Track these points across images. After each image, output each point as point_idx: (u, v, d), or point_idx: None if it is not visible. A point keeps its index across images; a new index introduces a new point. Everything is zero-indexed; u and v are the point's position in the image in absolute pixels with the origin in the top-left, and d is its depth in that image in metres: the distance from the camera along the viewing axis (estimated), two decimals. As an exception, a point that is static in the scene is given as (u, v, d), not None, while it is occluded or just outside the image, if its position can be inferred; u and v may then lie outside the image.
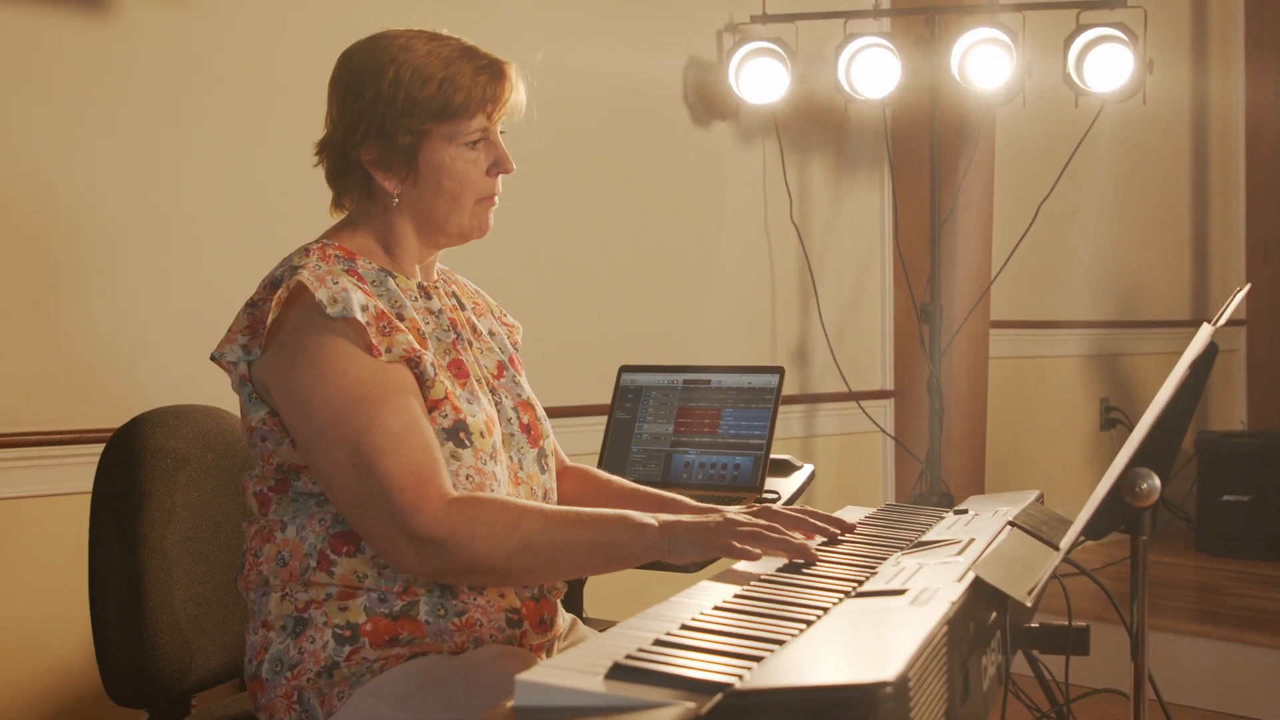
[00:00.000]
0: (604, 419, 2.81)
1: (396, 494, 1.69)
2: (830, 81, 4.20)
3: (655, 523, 1.73)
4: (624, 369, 2.83)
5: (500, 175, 1.92)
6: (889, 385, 4.66)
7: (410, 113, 1.84)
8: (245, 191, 3.01)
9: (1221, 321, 1.60)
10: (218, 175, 2.97)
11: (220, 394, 2.60)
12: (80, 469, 2.57)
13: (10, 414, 2.66)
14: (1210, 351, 1.57)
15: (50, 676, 2.70)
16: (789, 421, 4.31)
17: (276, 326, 1.77)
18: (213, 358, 1.82)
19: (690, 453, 2.67)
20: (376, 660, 1.77)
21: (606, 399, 2.86)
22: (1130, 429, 5.45)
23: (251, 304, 1.82)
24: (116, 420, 2.09)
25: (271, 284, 1.81)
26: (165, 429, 2.04)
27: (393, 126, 1.84)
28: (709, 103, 4.11)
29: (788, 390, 4.27)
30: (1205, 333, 1.59)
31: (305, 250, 1.86)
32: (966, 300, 4.48)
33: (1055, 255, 5.19)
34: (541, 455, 1.99)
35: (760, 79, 4.05)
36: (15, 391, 2.67)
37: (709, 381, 2.72)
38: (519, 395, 2.00)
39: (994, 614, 1.53)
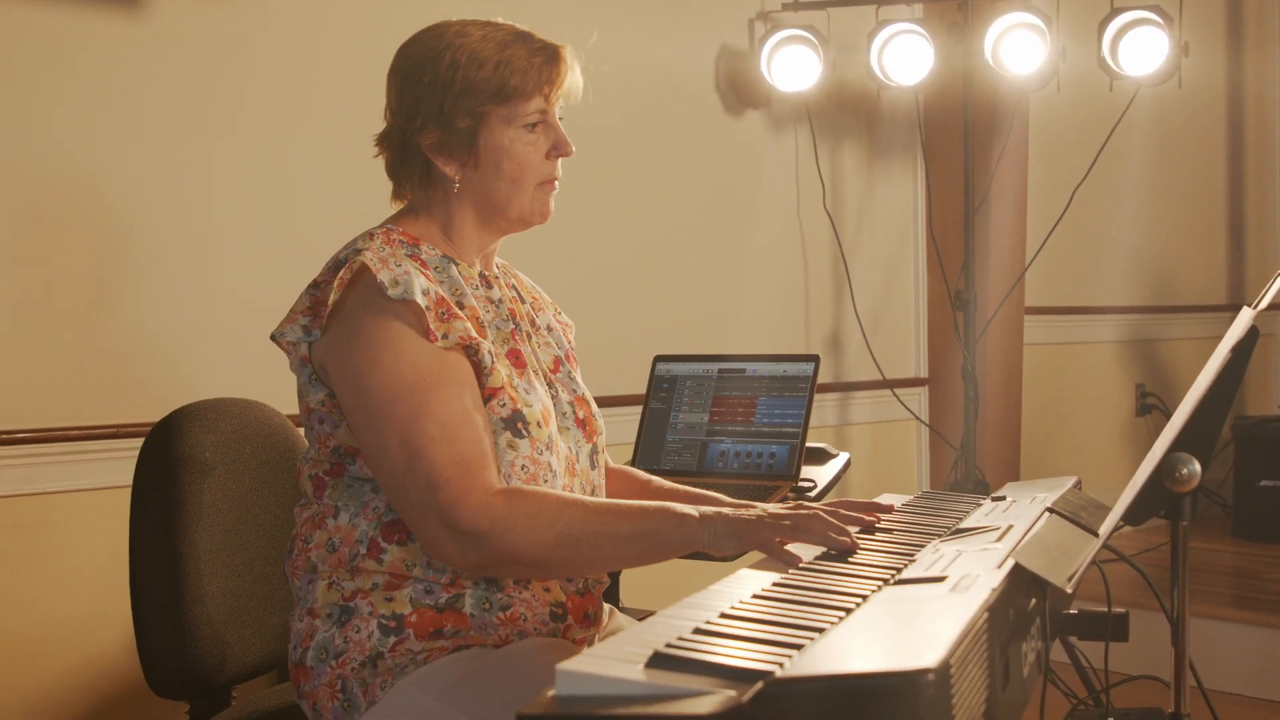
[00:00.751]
0: (639, 409, 2.81)
1: (442, 485, 1.69)
2: (862, 68, 4.18)
3: (696, 514, 1.73)
4: (658, 359, 2.83)
5: (560, 159, 1.92)
6: (923, 373, 4.65)
7: (468, 95, 1.85)
8: (284, 186, 3.02)
9: (1263, 305, 1.59)
10: (256, 170, 2.98)
11: (259, 387, 2.62)
12: (120, 463, 2.59)
13: (51, 409, 2.69)
14: (1251, 335, 1.56)
15: (92, 670, 2.72)
16: (823, 410, 4.30)
17: (338, 307, 1.78)
18: (273, 337, 1.83)
19: (726, 442, 2.67)
20: (421, 652, 1.78)
21: (641, 389, 2.86)
22: (1166, 415, 5.42)
23: (314, 285, 1.83)
24: (157, 414, 2.10)
25: (335, 265, 1.82)
26: (203, 424, 2.05)
27: (451, 110, 1.85)
28: (741, 91, 4.11)
29: (821, 378, 4.26)
30: (1246, 316, 1.58)
31: (369, 234, 1.87)
32: (1001, 287, 4.46)
33: (1090, 241, 5.16)
34: (594, 452, 2.00)
35: (792, 67, 4.04)
36: (56, 386, 2.69)
37: (744, 370, 2.72)
38: (574, 391, 2.00)
39: (1033, 600, 1.52)
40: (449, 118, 1.85)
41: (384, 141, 1.93)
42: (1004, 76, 4.14)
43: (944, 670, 1.04)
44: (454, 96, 1.85)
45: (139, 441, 2.06)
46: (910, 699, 1.02)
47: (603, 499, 1.82)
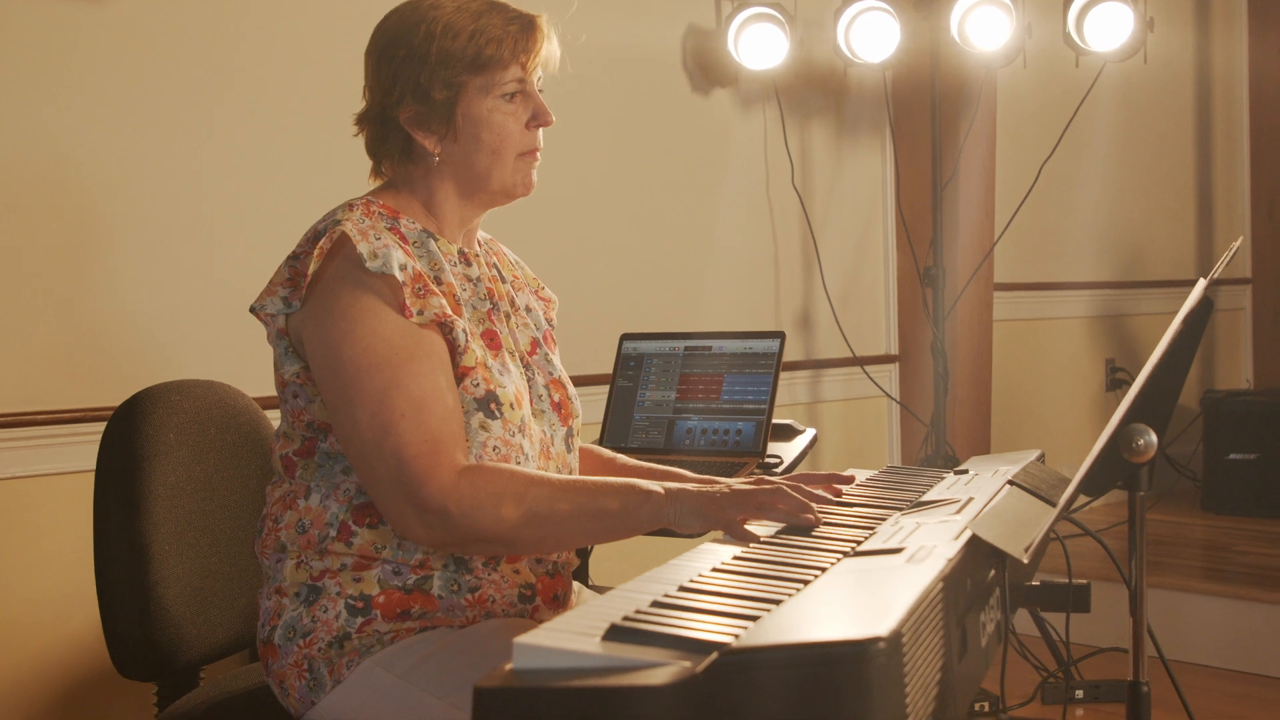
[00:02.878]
0: (606, 388, 2.81)
1: (410, 462, 1.69)
2: (830, 46, 4.18)
3: (662, 490, 1.73)
4: (625, 337, 2.83)
5: (541, 129, 1.91)
6: (893, 350, 4.67)
7: (444, 65, 1.84)
8: (254, 166, 3.01)
9: (1216, 274, 1.60)
10: (225, 151, 2.97)
11: (224, 369, 2.61)
12: (87, 447, 2.58)
13: (16, 393, 2.67)
14: (1205, 306, 1.57)
15: (62, 654, 2.72)
16: (794, 387, 4.32)
17: (317, 278, 1.77)
18: (252, 309, 1.83)
19: (693, 419, 2.68)
20: (388, 633, 1.78)
21: (608, 368, 2.87)
22: (1136, 389, 5.46)
23: (293, 256, 1.82)
24: (123, 397, 2.10)
25: (314, 236, 1.81)
26: (166, 406, 2.05)
27: (428, 82, 1.84)
28: (708, 70, 4.11)
29: (792, 356, 4.29)
30: (1199, 287, 1.59)
31: (349, 205, 1.86)
32: (969, 263, 4.48)
33: (1058, 217, 5.18)
34: (569, 435, 2.00)
35: (759, 45, 4.03)
36: (20, 371, 2.68)
37: (710, 348, 2.72)
38: (551, 373, 2.00)
39: (992, 571, 1.54)
40: (426, 90, 1.85)
41: (363, 119, 1.92)
42: (970, 53, 4.15)
43: (895, 639, 1.05)
44: (430, 68, 1.84)
45: (104, 425, 2.06)
46: (862, 667, 1.03)
47: (568, 476, 1.82)
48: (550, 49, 1.92)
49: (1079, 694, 3.60)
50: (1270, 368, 6.03)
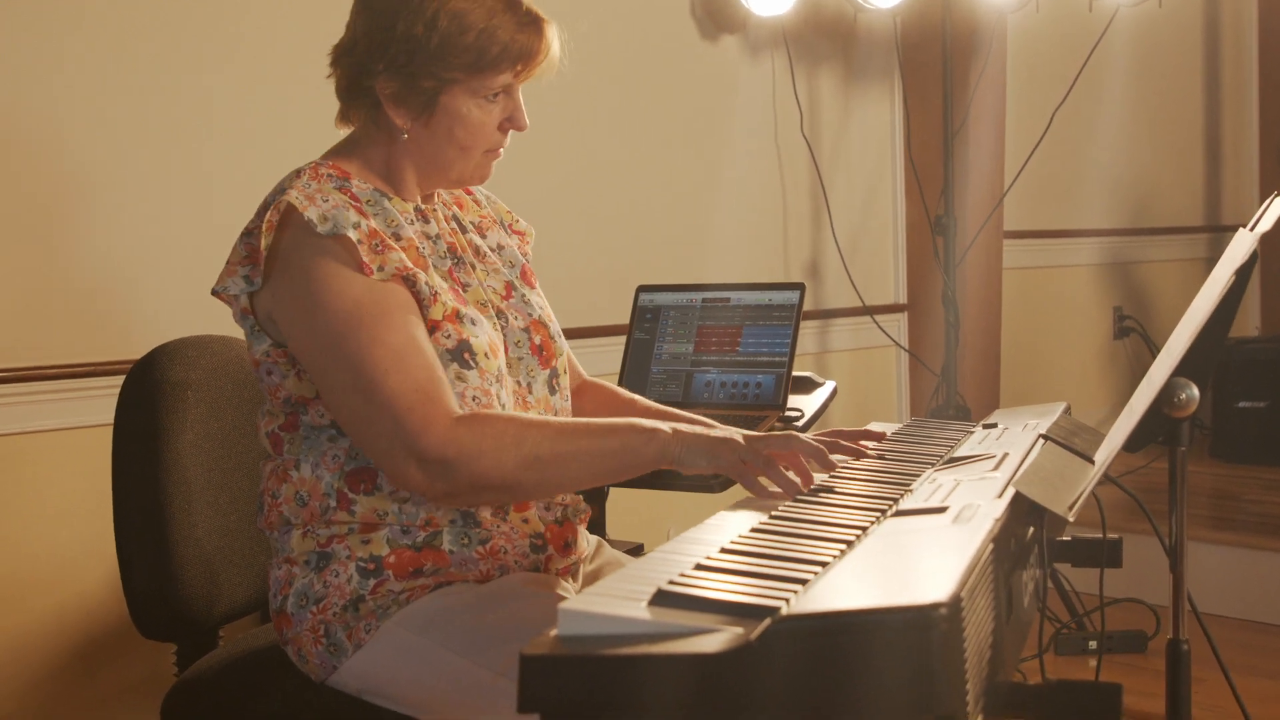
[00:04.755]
0: (618, 339, 2.78)
1: (404, 415, 1.65)
2: (839, -9, 4.13)
3: (667, 429, 1.70)
4: (642, 289, 2.80)
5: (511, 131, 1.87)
6: (902, 299, 4.63)
7: (440, 59, 1.77)
8: (258, 118, 2.96)
9: (1265, 228, 1.56)
10: (237, 100, 2.92)
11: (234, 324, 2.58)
12: (100, 401, 2.56)
13: (30, 347, 2.64)
14: (1252, 260, 1.54)
15: (77, 611, 2.70)
16: (803, 337, 4.24)
17: (272, 253, 1.73)
18: (214, 292, 1.78)
19: (711, 372, 2.65)
20: (402, 592, 1.76)
21: (623, 319, 2.83)
22: (1144, 337, 5.44)
23: (247, 232, 1.78)
24: (135, 352, 2.07)
25: (263, 209, 1.77)
26: (184, 360, 2.01)
27: (419, 67, 1.78)
28: (716, 16, 4.05)
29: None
30: (1246, 240, 1.56)
31: (297, 172, 1.81)
32: (980, 211, 4.44)
33: (1069, 163, 5.13)
34: (554, 376, 1.95)
35: (768, -10, 3.98)
36: (34, 325, 2.64)
37: (729, 300, 2.69)
38: (530, 315, 1.94)
39: (1031, 529, 1.51)
40: (414, 75, 1.78)
41: (338, 63, 1.86)
42: (983, -2, 4.09)
43: (955, 604, 1.02)
44: (425, 56, 1.77)
45: (118, 380, 2.02)
46: (924, 634, 1.00)
47: (569, 418, 1.78)
48: (549, 62, 1.86)
49: (1092, 645, 3.60)
50: (1279, 315, 6.00)
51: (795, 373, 2.63)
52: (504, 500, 1.79)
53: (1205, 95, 5.93)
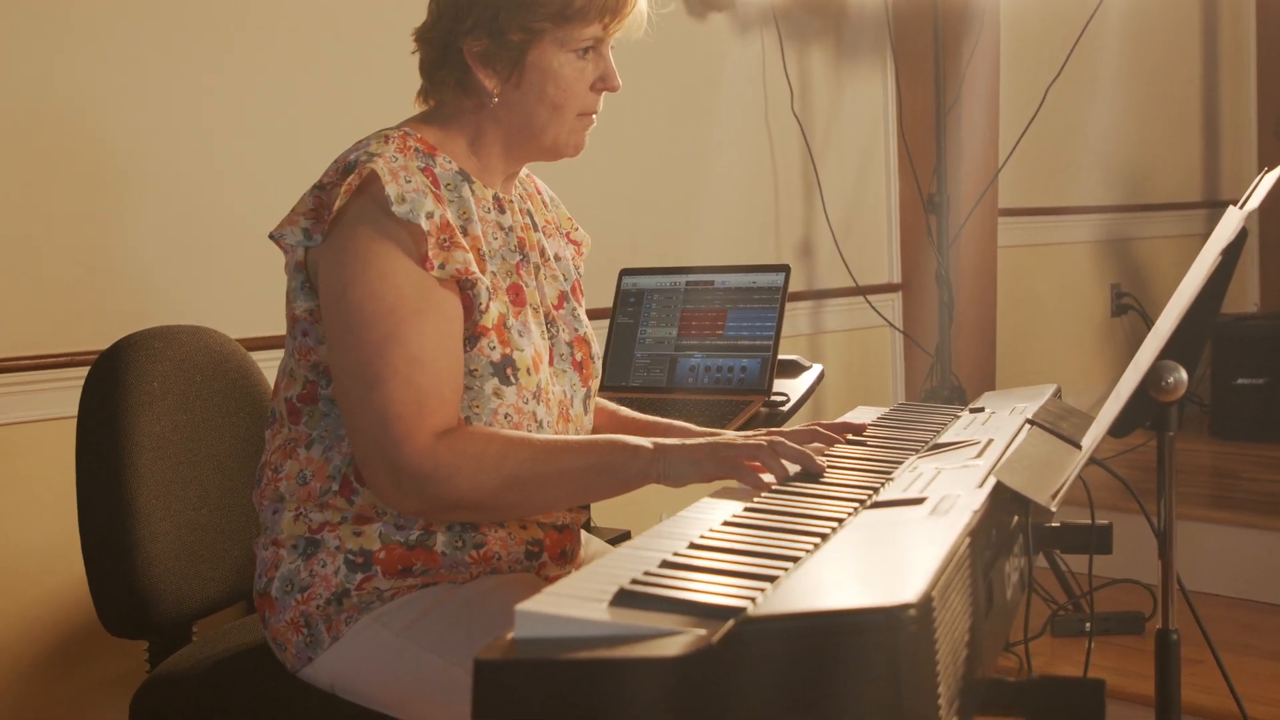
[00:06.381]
0: (603, 323, 2.73)
1: (392, 421, 1.61)
2: (829, -33, 4.07)
3: (650, 445, 1.65)
4: (624, 272, 2.75)
5: (605, 93, 1.82)
6: (896, 278, 4.58)
7: (527, 8, 1.72)
8: (251, 104, 2.91)
9: (1252, 206, 1.52)
10: (222, 87, 2.87)
11: (213, 312, 2.53)
12: (73, 392, 2.50)
13: (4, 338, 2.59)
14: (1241, 238, 1.49)
15: (52, 607, 2.65)
16: (795, 319, 4.24)
17: (340, 214, 1.67)
18: (272, 236, 1.73)
19: (696, 356, 2.60)
20: (388, 590, 1.71)
21: (605, 302, 2.78)
22: (1142, 315, 5.39)
23: (319, 186, 1.71)
24: (109, 341, 2.02)
25: (344, 169, 1.70)
26: (149, 353, 1.97)
27: (506, 21, 1.73)
28: (704, -7, 3.99)
29: (793, 286, 4.19)
30: (1234, 217, 1.51)
31: (384, 137, 1.75)
32: (974, 189, 4.38)
33: (1063, 140, 5.07)
34: (588, 396, 1.91)
35: (756, -33, 3.92)
36: (4, 315, 2.60)
37: (712, 282, 2.65)
38: (576, 330, 1.91)
39: (1015, 518, 1.47)
40: (502, 28, 1.73)
41: (424, 37, 1.81)
42: (974, -28, 4.03)
43: (925, 605, 0.98)
44: (512, 7, 1.72)
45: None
46: (891, 636, 0.96)
47: (551, 436, 1.73)
48: (637, 15, 1.81)
49: (1088, 626, 3.56)
50: (1278, 291, 5.94)
51: (782, 356, 2.59)
52: (482, 519, 1.74)
53: (1203, 68, 5.87)
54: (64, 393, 2.61)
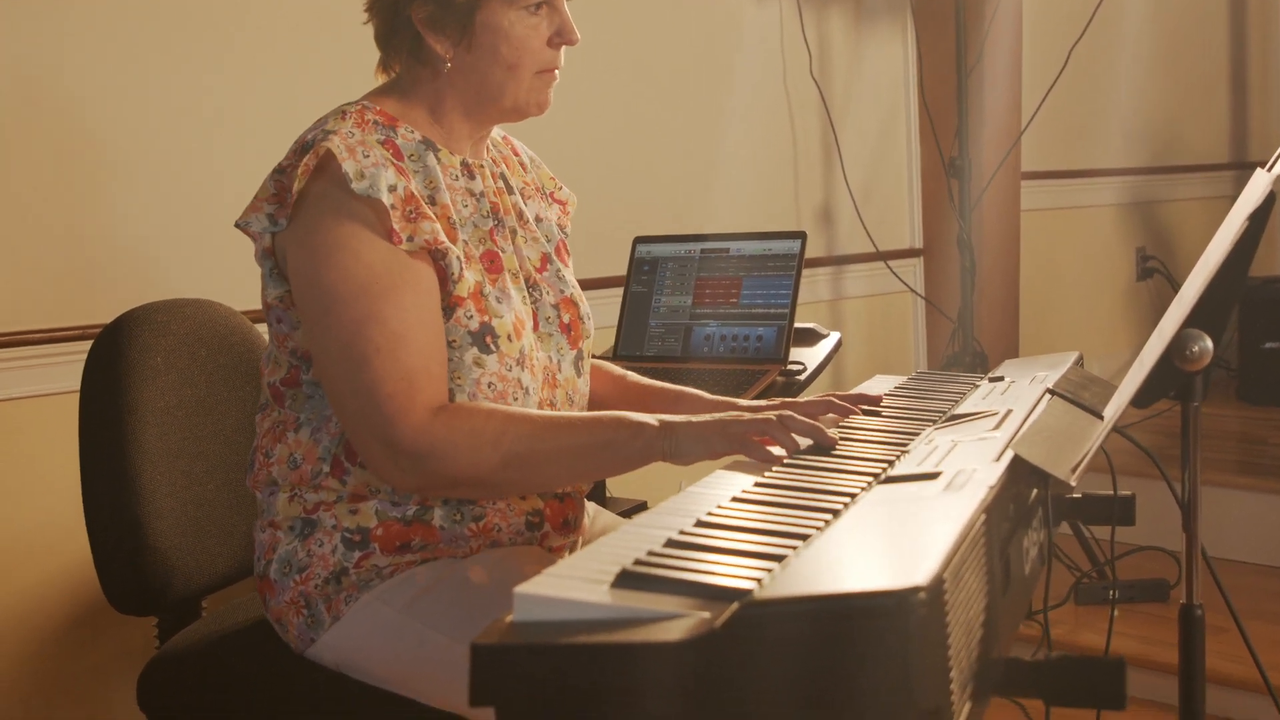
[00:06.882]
0: (617, 290, 2.69)
1: (383, 401, 1.58)
2: (847, -73, 4.00)
3: (655, 422, 1.61)
4: (638, 240, 2.71)
5: (563, 47, 1.77)
6: (917, 243, 4.52)
7: None
8: (249, 77, 2.87)
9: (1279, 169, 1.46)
10: (220, 62, 2.83)
11: (219, 284, 2.50)
12: (80, 366, 2.48)
13: (5, 312, 2.57)
14: (1268, 202, 1.44)
15: (60, 583, 2.63)
16: (816, 285, 4.19)
17: (302, 197, 1.64)
18: (238, 225, 1.70)
19: (711, 325, 2.56)
20: (386, 567, 1.68)
21: (620, 269, 2.74)
22: (1168, 278, 5.32)
23: (279, 170, 1.69)
24: (115, 314, 1.99)
25: (301, 149, 1.67)
26: (152, 327, 1.94)
27: None
28: (721, -45, 3.93)
29: (813, 253, 4.14)
30: (1262, 180, 1.46)
31: (342, 113, 1.72)
32: (996, 152, 4.32)
33: (1088, 101, 4.99)
34: (579, 357, 1.87)
35: (774, -73, 3.85)
36: (9, 289, 2.57)
37: (728, 250, 2.60)
38: (562, 291, 1.86)
39: (1034, 491, 1.43)
40: None
41: (374, 6, 1.76)
42: (996, -69, 3.96)
43: (937, 587, 0.94)
44: None
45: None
46: (901, 621, 0.92)
47: (552, 412, 1.69)
48: None
49: (1113, 594, 3.52)
50: (1306, 253, 5.86)
51: (799, 324, 2.55)
52: (482, 496, 1.70)
53: (1230, 26, 5.77)
54: (70, 366, 2.58)
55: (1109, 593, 3.46)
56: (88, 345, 1.97)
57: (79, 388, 1.93)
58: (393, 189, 1.63)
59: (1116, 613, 3.40)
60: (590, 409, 1.95)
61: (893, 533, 1.15)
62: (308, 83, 2.91)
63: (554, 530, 1.77)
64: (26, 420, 2.59)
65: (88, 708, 2.67)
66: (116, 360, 1.88)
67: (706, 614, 0.97)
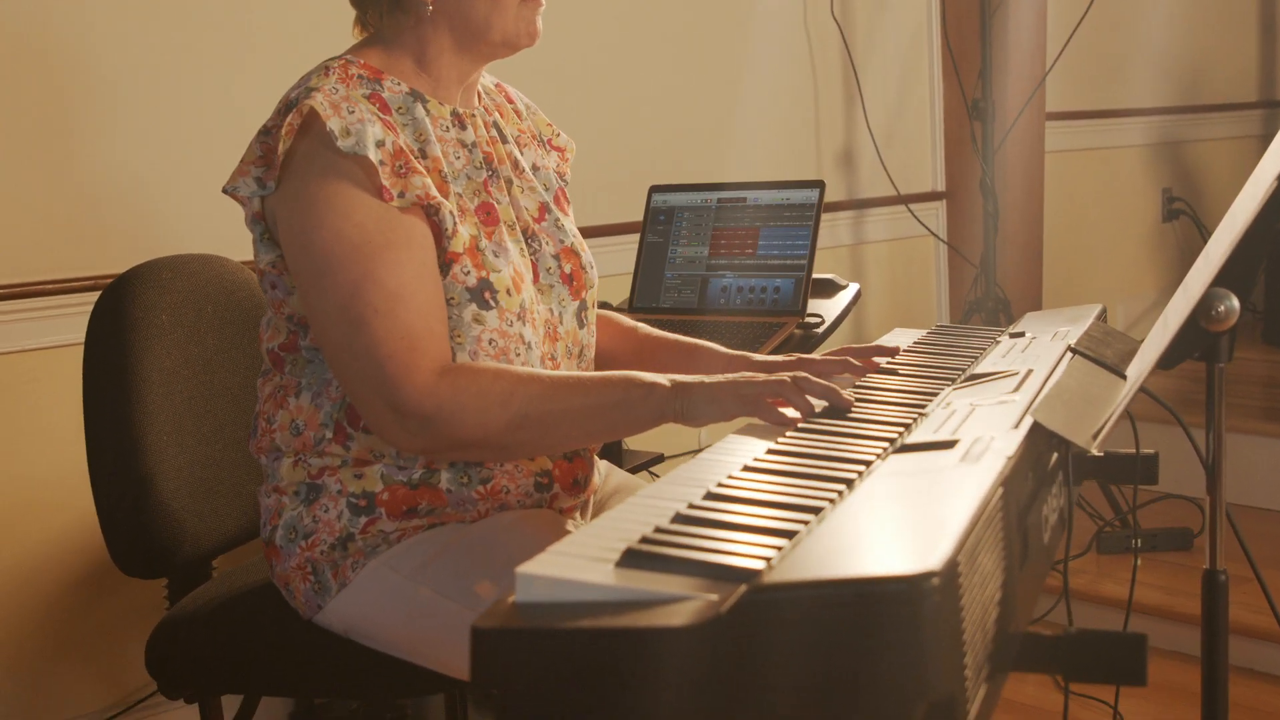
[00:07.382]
0: (632, 237, 2.65)
1: (385, 361, 1.54)
2: None
3: (667, 382, 1.57)
4: (654, 189, 2.66)
5: None
6: (940, 187, 4.46)
7: None
8: (262, 28, 2.82)
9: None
10: (233, 12, 2.78)
11: (228, 237, 2.47)
12: (85, 318, 2.46)
13: (12, 263, 2.54)
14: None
15: (69, 540, 2.61)
16: (837, 229, 4.13)
17: (289, 157, 1.60)
18: (225, 190, 1.66)
19: (727, 276, 2.52)
20: (394, 532, 1.66)
21: (635, 216, 2.70)
22: (1194, 220, 5.24)
23: (265, 131, 1.64)
24: (124, 265, 1.95)
25: (284, 108, 1.63)
26: (157, 284, 1.90)
27: None
28: (739, -107, 3.85)
29: (834, 197, 4.09)
30: (1293, 133, 1.41)
31: (325, 69, 1.67)
32: (1020, 93, 4.24)
33: (1114, 40, 4.90)
34: (582, 309, 1.83)
35: None
36: (16, 240, 2.54)
37: (745, 199, 2.55)
38: (562, 241, 1.81)
39: (1055, 455, 1.39)
40: None
41: None
42: None
43: (950, 570, 0.91)
44: None
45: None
46: (913, 607, 0.89)
47: (563, 372, 1.65)
48: None
49: (1135, 543, 3.49)
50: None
51: (817, 275, 2.50)
52: (490, 459, 1.67)
53: (1260, -38, 5.66)
54: (78, 318, 2.55)
55: (1131, 542, 3.43)
56: (96, 296, 1.93)
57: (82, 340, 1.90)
58: (380, 144, 1.59)
59: (1140, 562, 3.37)
60: (603, 365, 1.92)
61: (906, 509, 1.11)
62: (325, 35, 2.86)
63: (564, 491, 1.74)
64: (35, 372, 2.56)
65: (95, 666, 2.66)
66: (120, 319, 1.85)
67: (714, 596, 0.94)
